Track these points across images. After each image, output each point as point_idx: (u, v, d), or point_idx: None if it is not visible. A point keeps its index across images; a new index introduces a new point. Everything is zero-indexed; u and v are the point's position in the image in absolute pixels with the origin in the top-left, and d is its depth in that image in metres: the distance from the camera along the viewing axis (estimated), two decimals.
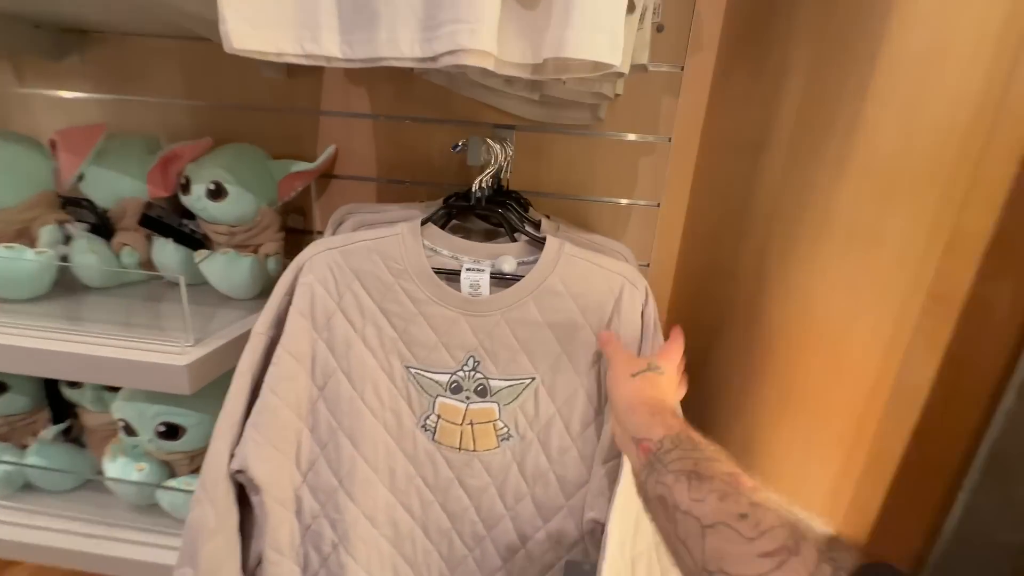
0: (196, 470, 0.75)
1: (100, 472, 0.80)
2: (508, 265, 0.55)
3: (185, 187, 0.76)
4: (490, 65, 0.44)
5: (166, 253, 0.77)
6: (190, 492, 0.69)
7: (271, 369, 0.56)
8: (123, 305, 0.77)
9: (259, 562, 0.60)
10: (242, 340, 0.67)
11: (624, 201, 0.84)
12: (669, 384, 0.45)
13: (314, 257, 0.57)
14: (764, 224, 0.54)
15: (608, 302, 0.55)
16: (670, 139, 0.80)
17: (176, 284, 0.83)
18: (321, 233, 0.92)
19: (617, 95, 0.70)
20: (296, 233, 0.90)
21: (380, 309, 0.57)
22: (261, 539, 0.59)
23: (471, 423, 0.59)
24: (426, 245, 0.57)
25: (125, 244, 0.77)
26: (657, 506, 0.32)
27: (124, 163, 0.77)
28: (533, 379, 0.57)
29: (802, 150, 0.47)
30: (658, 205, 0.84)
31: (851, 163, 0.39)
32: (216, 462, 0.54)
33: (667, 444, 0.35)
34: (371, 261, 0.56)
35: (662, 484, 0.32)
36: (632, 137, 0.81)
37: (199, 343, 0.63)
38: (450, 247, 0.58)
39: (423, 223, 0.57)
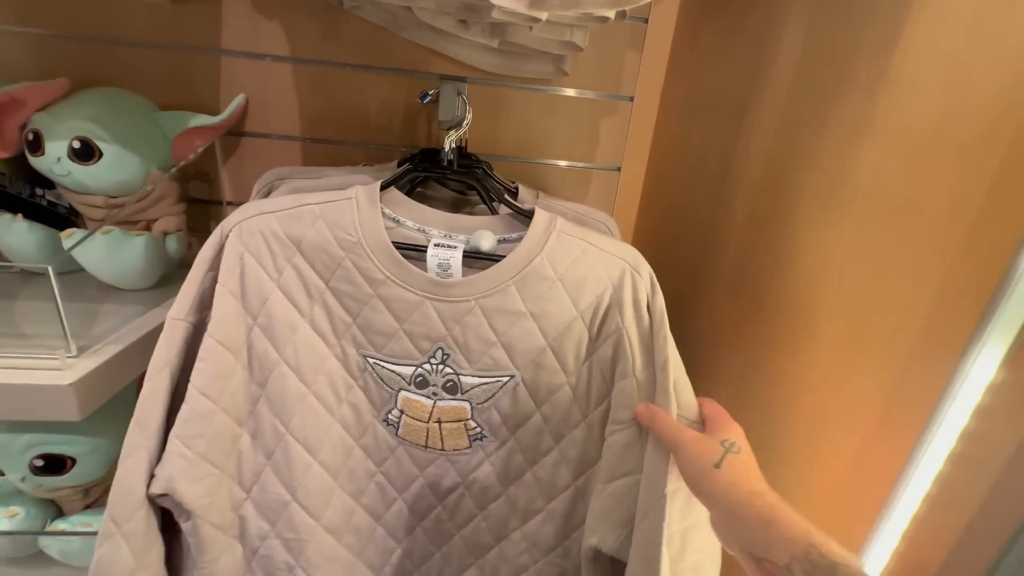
0: (92, 505, 0.61)
1: None
2: (487, 242, 0.48)
3: (34, 144, 0.58)
4: None
5: (15, 234, 0.59)
6: (89, 534, 0.56)
7: (199, 365, 0.45)
8: None
9: None
10: (144, 344, 0.54)
11: (583, 165, 0.79)
12: (751, 459, 0.38)
13: (243, 223, 0.45)
14: (753, 191, 0.52)
15: (606, 292, 0.47)
16: (632, 98, 0.76)
17: (34, 275, 0.66)
18: (232, 204, 0.77)
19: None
20: (199, 204, 0.74)
21: (330, 289, 0.48)
22: (195, 572, 0.49)
23: (439, 421, 0.52)
24: (386, 214, 0.48)
25: None
26: None
27: None
28: (511, 377, 0.50)
29: (803, 112, 0.45)
30: (619, 169, 0.80)
31: (874, 126, 0.37)
32: (129, 486, 0.43)
33: (797, 571, 0.29)
34: (316, 230, 0.46)
35: None
36: (593, 95, 0.75)
37: (84, 352, 0.49)
38: (416, 218, 0.49)
39: (383, 187, 0.47)
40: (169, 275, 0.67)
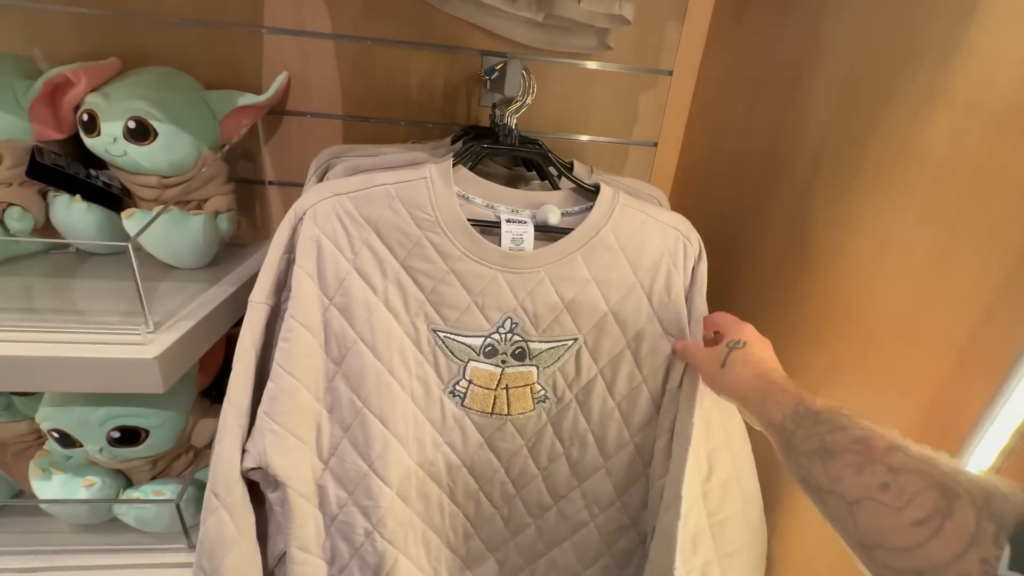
0: (158, 475, 0.64)
1: (20, 494, 0.65)
2: (553, 216, 0.49)
3: (89, 125, 0.58)
4: None
5: (75, 214, 0.60)
6: (164, 501, 0.58)
7: (282, 345, 0.46)
8: (19, 287, 0.59)
9: (277, 562, 0.53)
10: (212, 319, 0.56)
11: (619, 140, 0.80)
12: (760, 349, 0.44)
13: (317, 205, 0.46)
14: (806, 163, 0.53)
15: (663, 259, 0.51)
16: (671, 72, 0.76)
17: (89, 255, 0.67)
18: (274, 183, 0.78)
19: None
20: (243, 184, 0.74)
21: (404, 267, 0.49)
22: (280, 538, 0.52)
23: (506, 387, 0.55)
24: (456, 192, 0.49)
25: (10, 203, 0.58)
26: (803, 487, 0.32)
27: None
28: (576, 340, 0.54)
29: (867, 83, 0.46)
30: (655, 144, 0.81)
31: (949, 95, 0.38)
32: (228, 462, 0.46)
33: (789, 424, 0.34)
34: (392, 210, 0.47)
35: (800, 466, 0.32)
36: (631, 69, 0.75)
37: (160, 328, 0.50)
38: (483, 194, 0.50)
39: (454, 165, 0.48)
40: (220, 256, 0.68)
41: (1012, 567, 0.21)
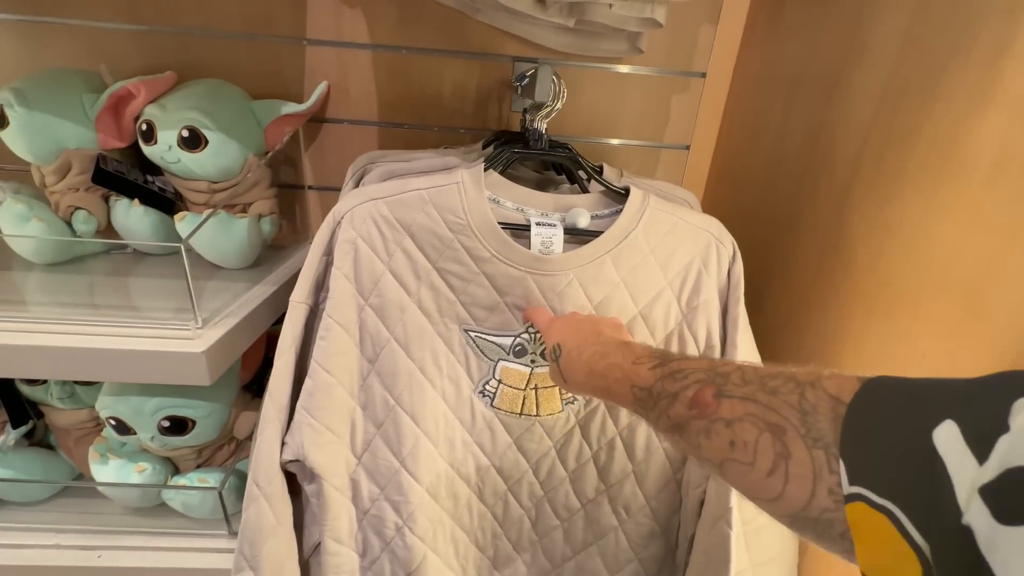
0: (203, 464, 0.67)
1: (80, 476, 0.70)
2: (583, 220, 0.50)
3: (147, 134, 0.62)
4: None
5: (133, 217, 0.64)
6: (208, 489, 0.62)
7: (320, 343, 0.48)
8: (83, 284, 0.64)
9: (312, 552, 0.55)
10: (255, 317, 0.59)
11: (651, 144, 0.80)
12: (572, 343, 0.42)
13: (354, 209, 0.48)
14: (847, 165, 0.51)
15: (694, 263, 0.51)
16: (704, 74, 0.75)
17: (143, 255, 0.72)
18: (313, 188, 0.81)
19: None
20: (284, 188, 0.78)
21: (436, 269, 0.50)
22: (315, 528, 0.54)
23: (535, 387, 0.55)
24: (487, 195, 0.50)
25: (77, 207, 0.63)
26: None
27: (60, 104, 0.61)
28: None
29: (911, 82, 0.44)
30: (687, 147, 0.80)
31: (1000, 95, 0.36)
32: (268, 454, 0.48)
33: (639, 411, 0.34)
34: (425, 214, 0.48)
35: (671, 443, 0.34)
36: (663, 72, 0.75)
37: (208, 324, 0.53)
38: (514, 197, 0.51)
39: (485, 170, 0.49)
40: (264, 257, 0.71)
41: (853, 483, 0.21)
